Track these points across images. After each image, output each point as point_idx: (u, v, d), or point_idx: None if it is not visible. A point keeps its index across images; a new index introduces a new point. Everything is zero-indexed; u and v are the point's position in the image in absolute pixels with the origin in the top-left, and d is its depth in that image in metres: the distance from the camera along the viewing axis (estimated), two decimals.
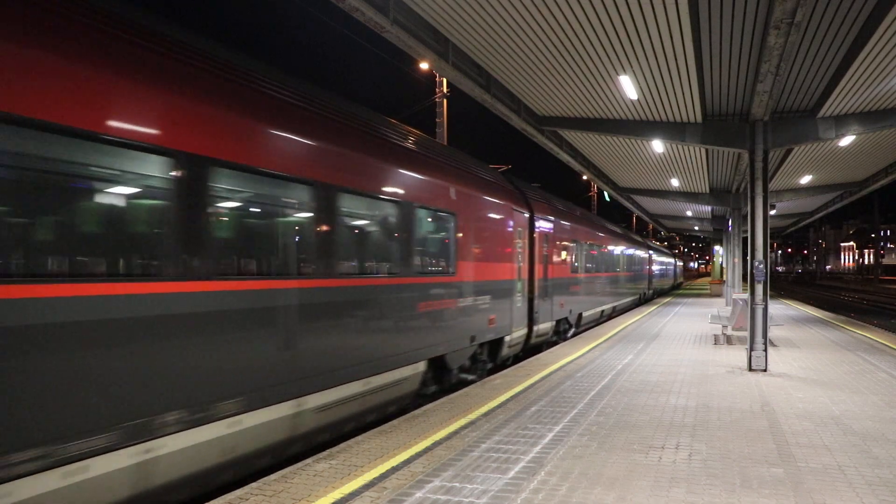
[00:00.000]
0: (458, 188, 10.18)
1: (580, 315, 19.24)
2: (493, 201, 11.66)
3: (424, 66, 18.73)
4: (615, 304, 25.79)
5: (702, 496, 4.98)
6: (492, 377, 10.42)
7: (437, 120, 21.59)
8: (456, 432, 6.90)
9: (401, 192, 8.45)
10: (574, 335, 18.35)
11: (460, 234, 10.21)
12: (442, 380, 10.05)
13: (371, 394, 7.75)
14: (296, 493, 5.11)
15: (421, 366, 8.98)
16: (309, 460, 5.97)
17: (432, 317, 9.24)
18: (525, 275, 13.57)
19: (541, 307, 14.65)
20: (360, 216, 7.78)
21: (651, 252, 41.04)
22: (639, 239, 38.75)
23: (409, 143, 9.12)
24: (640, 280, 34.70)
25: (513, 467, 5.68)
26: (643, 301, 35.78)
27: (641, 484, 5.25)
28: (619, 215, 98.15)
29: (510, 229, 12.52)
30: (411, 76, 21.86)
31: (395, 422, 7.44)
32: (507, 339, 12.49)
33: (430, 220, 9.52)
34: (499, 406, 8.23)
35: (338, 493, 5.06)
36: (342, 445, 6.46)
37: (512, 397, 8.76)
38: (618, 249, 26.95)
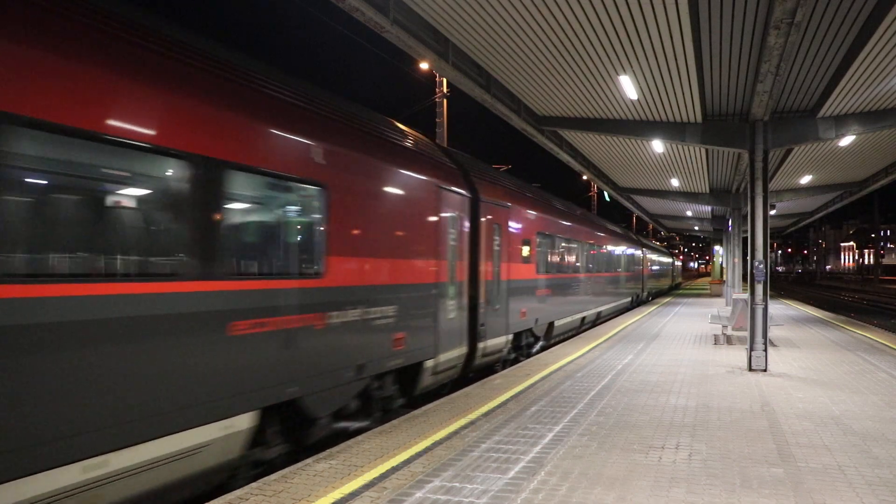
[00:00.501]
0: (331, 149, 6.87)
1: (551, 324, 16.03)
2: (403, 174, 8.40)
3: (424, 66, 18.74)
4: (600, 308, 22.70)
5: (702, 496, 4.99)
6: (491, 377, 10.42)
7: (437, 120, 21.60)
8: (456, 432, 6.90)
9: (190, 139, 5.13)
10: (543, 349, 15.26)
11: (336, 218, 6.93)
12: (302, 433, 6.82)
13: (113, 481, 4.54)
14: (296, 493, 5.11)
15: (243, 420, 5.63)
16: (309, 460, 5.97)
17: (269, 341, 5.90)
18: (464, 276, 10.41)
19: (490, 318, 11.43)
20: (75, 173, 4.56)
21: (645, 250, 38.02)
22: (631, 236, 35.02)
23: (215, 65, 5.72)
24: (631, 281, 31.61)
25: (513, 467, 5.69)
26: (637, 304, 33.42)
27: (641, 484, 5.26)
28: (619, 215, 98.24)
29: (437, 216, 9.35)
30: (411, 76, 21.89)
31: (395, 422, 7.44)
32: (430, 364, 9.18)
33: (265, 191, 6.15)
34: (499, 406, 8.23)
35: (338, 493, 5.06)
36: (342, 445, 6.46)
37: (512, 397, 8.77)
38: (603, 246, 23.62)
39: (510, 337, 12.68)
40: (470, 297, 10.70)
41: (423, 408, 8.18)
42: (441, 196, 9.54)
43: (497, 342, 11.92)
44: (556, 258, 16.69)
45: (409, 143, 9.09)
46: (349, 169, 7.26)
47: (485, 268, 11.25)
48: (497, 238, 11.98)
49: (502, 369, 12.14)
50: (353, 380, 7.31)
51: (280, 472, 5.66)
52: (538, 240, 14.90)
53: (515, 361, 13.38)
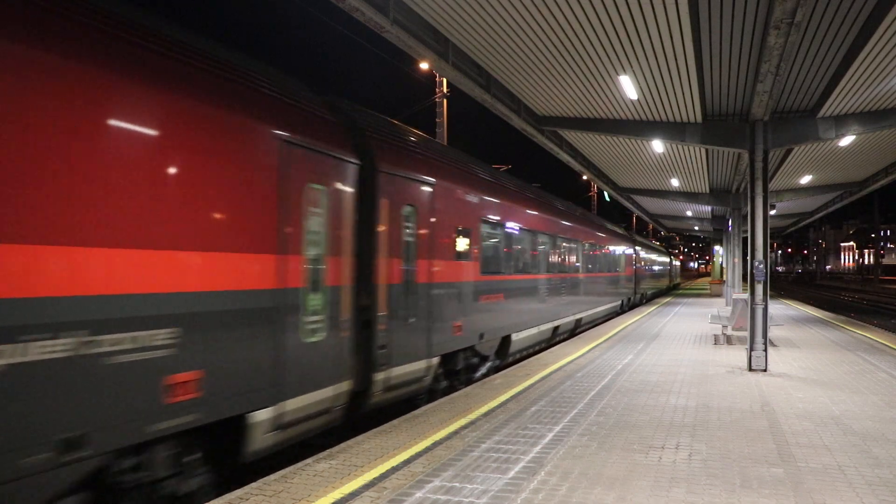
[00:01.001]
0: None
1: (506, 339, 12.75)
2: (191, 109, 5.25)
3: (424, 66, 18.74)
4: (579, 315, 19.38)
5: (702, 496, 4.99)
6: (492, 377, 10.40)
7: (437, 120, 21.60)
8: (456, 432, 6.90)
9: None
10: (496, 370, 12.35)
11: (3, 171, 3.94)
12: None
13: None
14: (296, 493, 5.11)
15: None
16: (309, 460, 5.97)
17: None
18: (346, 279, 7.30)
19: (398, 336, 8.31)
20: None
21: (639, 248, 34.62)
22: (620, 231, 30.92)
23: None
24: (622, 282, 28.31)
25: (513, 467, 5.69)
26: (628, 307, 30.32)
27: (641, 484, 5.26)
28: (619, 215, 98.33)
29: (281, 186, 6.19)
30: (411, 76, 21.89)
31: (395, 422, 7.44)
32: (266, 415, 5.95)
33: None
34: (499, 406, 8.23)
35: (338, 493, 5.06)
36: (342, 445, 6.46)
37: (512, 397, 8.77)
38: (582, 241, 20.06)
39: (434, 361, 9.38)
40: (359, 307, 7.66)
41: (423, 408, 8.18)
42: (291, 157, 6.37)
43: (411, 369, 8.71)
44: (513, 254, 13.31)
45: (217, 68, 5.72)
46: (44, 88, 4.17)
47: (387, 267, 8.15)
48: (411, 226, 8.83)
49: (428, 402, 9.33)
50: (53, 466, 4.17)
51: (280, 472, 5.66)
52: (484, 230, 11.56)
53: (450, 390, 10.26)
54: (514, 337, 13.20)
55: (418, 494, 5.01)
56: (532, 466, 5.71)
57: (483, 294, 11.39)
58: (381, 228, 8.07)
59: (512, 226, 13.23)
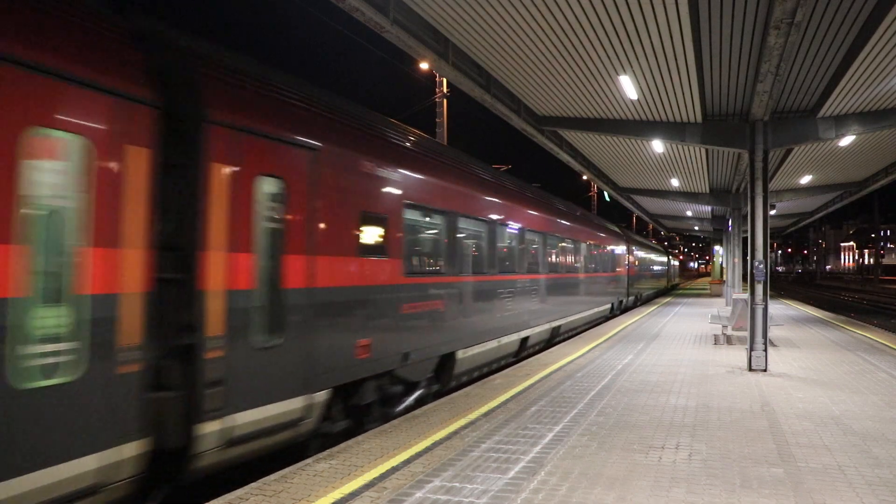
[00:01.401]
0: None
1: (448, 358, 10.07)
2: None
3: (424, 66, 18.74)
4: (556, 322, 16.39)
5: (702, 496, 4.99)
6: (492, 377, 10.41)
7: (437, 120, 21.60)
8: (456, 432, 6.90)
9: None
10: (437, 396, 9.91)
11: None
12: None
13: None
14: (296, 493, 5.11)
15: None
16: (309, 460, 5.97)
17: None
18: (128, 283, 4.87)
19: (248, 366, 5.88)
20: None
21: (633, 246, 31.86)
22: (609, 226, 27.43)
23: None
24: (611, 283, 25.21)
25: (513, 467, 5.69)
26: (620, 310, 27.66)
27: (641, 484, 5.26)
28: (619, 215, 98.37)
29: None
30: (411, 76, 21.89)
31: (395, 422, 7.44)
32: None
33: None
34: (499, 406, 8.23)
35: (338, 493, 5.07)
36: (342, 445, 6.46)
37: (512, 397, 8.77)
38: (557, 235, 16.72)
39: (320, 396, 6.79)
40: (168, 326, 5.37)
41: (423, 408, 8.18)
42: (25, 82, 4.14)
43: (275, 412, 6.19)
44: (459, 250, 10.42)
45: None
46: None
47: (224, 266, 5.71)
48: (276, 206, 6.31)
49: (322, 449, 6.94)
50: None
51: (280, 472, 5.66)
52: (412, 218, 8.93)
53: (356, 431, 7.64)
54: (461, 354, 10.41)
55: (418, 494, 5.01)
56: (532, 466, 5.71)
57: (408, 301, 8.70)
58: (214, 208, 5.62)
59: (458, 213, 10.36)
